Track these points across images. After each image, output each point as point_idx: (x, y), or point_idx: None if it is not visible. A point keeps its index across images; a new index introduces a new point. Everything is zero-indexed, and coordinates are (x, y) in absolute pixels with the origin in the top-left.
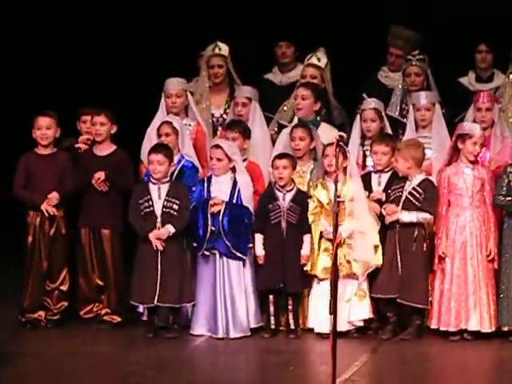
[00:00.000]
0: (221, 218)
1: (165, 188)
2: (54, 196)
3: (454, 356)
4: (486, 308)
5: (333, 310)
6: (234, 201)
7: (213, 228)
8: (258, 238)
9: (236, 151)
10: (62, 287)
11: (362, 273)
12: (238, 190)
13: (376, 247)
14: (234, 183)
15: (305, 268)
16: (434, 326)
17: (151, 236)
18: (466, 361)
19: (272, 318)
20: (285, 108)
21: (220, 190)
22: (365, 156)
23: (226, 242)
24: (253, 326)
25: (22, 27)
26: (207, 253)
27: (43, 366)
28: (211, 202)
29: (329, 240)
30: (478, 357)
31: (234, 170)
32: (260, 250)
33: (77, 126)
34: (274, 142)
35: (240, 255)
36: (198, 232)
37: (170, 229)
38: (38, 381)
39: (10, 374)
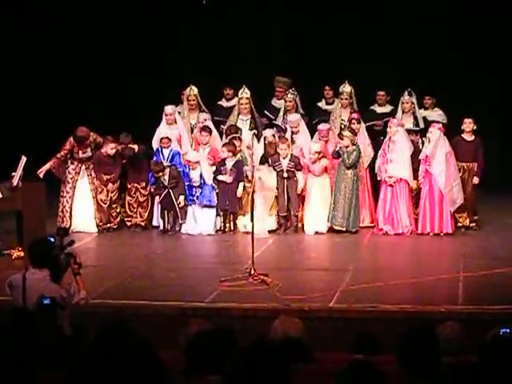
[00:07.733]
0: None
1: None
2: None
3: (312, 242)
4: (322, 216)
5: (251, 220)
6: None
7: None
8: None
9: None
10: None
11: (267, 206)
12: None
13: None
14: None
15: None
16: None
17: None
18: (317, 243)
19: (223, 224)
20: (231, 118)
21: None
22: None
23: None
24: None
25: None
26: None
27: (114, 243)
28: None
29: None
30: (321, 241)
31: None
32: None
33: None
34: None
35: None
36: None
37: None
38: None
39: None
